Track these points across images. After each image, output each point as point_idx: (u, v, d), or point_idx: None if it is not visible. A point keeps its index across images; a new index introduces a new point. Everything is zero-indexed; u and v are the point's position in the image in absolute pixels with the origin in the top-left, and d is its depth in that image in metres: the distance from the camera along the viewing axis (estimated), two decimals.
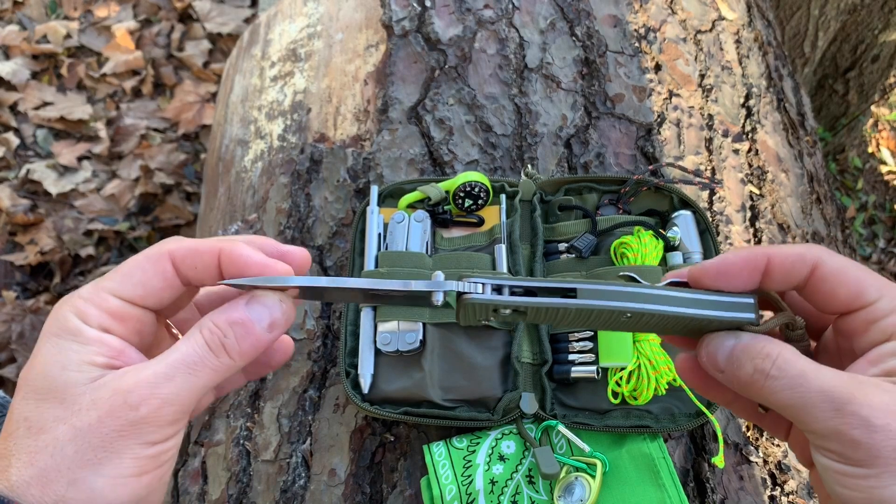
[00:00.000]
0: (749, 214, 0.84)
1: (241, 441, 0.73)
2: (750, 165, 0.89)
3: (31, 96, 2.02)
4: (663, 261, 0.71)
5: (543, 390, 0.66)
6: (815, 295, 0.38)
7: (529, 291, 0.38)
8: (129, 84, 2.08)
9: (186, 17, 2.23)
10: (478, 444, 0.65)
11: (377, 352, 0.68)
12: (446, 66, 0.91)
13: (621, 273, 0.59)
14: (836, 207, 1.04)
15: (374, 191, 0.76)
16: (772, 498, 0.65)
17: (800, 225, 0.89)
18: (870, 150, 2.25)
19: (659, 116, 0.88)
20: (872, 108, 2.15)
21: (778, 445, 0.69)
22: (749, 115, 0.94)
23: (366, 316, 0.69)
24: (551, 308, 0.37)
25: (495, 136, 0.86)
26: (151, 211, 1.90)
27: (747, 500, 0.65)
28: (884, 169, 2.23)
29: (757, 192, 0.87)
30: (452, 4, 0.96)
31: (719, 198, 0.83)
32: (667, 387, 0.64)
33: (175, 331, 0.46)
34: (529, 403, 0.65)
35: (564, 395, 0.67)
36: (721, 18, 1.01)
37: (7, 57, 2.08)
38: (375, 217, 0.74)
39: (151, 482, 0.36)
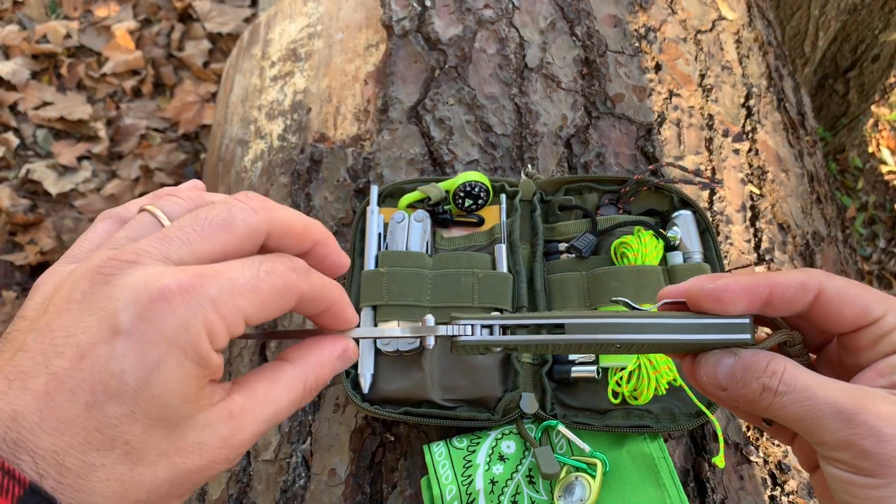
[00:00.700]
0: (749, 214, 0.84)
1: None
2: (750, 165, 0.89)
3: (31, 96, 2.02)
4: (663, 261, 0.71)
5: (543, 390, 0.66)
6: (820, 318, 0.38)
7: (519, 328, 0.38)
8: (129, 84, 2.08)
9: (186, 16, 2.23)
10: (478, 444, 0.65)
11: (377, 352, 0.68)
12: (446, 66, 0.91)
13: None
14: (836, 207, 1.04)
15: (374, 191, 0.76)
16: (772, 498, 0.65)
17: (800, 225, 0.89)
18: (870, 149, 2.25)
19: (659, 116, 0.88)
20: (872, 107, 2.15)
21: (778, 446, 0.69)
22: (749, 114, 0.94)
23: (366, 316, 0.69)
24: (540, 344, 0.38)
25: (495, 135, 0.86)
26: None
27: (747, 500, 0.65)
28: (884, 169, 2.23)
29: (757, 191, 0.87)
30: (452, 4, 0.96)
31: (719, 198, 0.83)
32: (667, 387, 0.64)
33: None
34: (529, 403, 0.65)
35: (564, 394, 0.67)
36: (721, 18, 1.01)
37: (7, 57, 2.08)
38: (375, 217, 0.74)
39: None
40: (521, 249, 0.72)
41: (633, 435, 0.64)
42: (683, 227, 0.72)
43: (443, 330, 0.38)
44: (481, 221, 0.75)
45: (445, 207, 0.75)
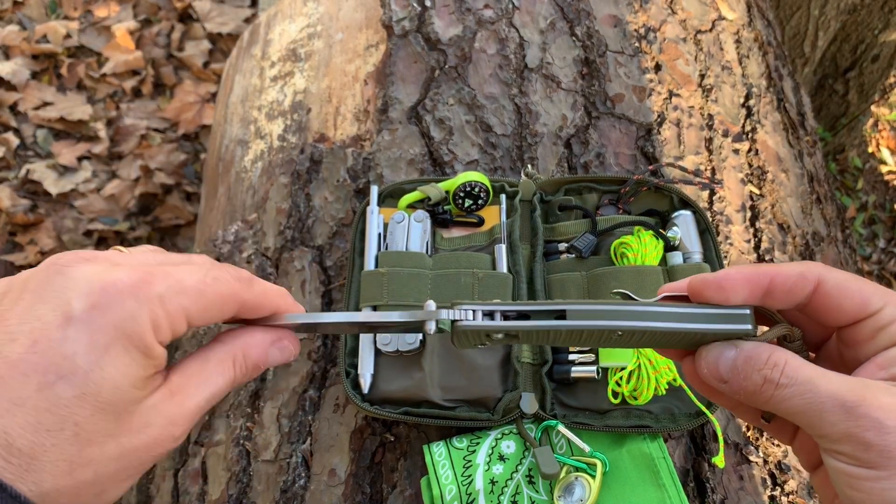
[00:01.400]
0: (749, 214, 0.84)
1: (241, 441, 0.73)
2: (750, 165, 0.89)
3: (31, 96, 2.02)
4: (663, 261, 0.71)
5: (543, 390, 0.66)
6: (819, 311, 0.38)
7: (521, 315, 0.38)
8: (129, 84, 2.08)
9: (186, 17, 2.23)
10: (478, 444, 0.65)
11: (377, 352, 0.68)
12: (446, 66, 0.91)
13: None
14: (836, 207, 1.04)
15: (374, 191, 0.76)
16: (772, 498, 0.65)
17: (800, 225, 0.89)
18: (870, 149, 2.25)
19: (659, 116, 0.88)
20: (872, 107, 2.15)
21: (778, 446, 0.69)
22: (749, 115, 0.94)
23: None
24: (542, 331, 0.38)
25: (495, 136, 0.86)
26: (151, 211, 1.90)
27: (747, 500, 0.65)
28: (884, 169, 2.23)
29: (757, 191, 0.87)
30: (452, 4, 0.96)
31: (719, 198, 0.83)
32: (667, 387, 0.64)
33: None
34: (529, 403, 0.65)
35: (564, 395, 0.67)
36: (721, 18, 1.01)
37: (7, 57, 2.08)
38: (375, 217, 0.74)
39: None
40: (521, 249, 0.72)
41: (632, 435, 0.64)
42: (683, 227, 0.72)
43: (445, 314, 0.38)
44: (481, 221, 0.75)
45: (445, 207, 0.75)
